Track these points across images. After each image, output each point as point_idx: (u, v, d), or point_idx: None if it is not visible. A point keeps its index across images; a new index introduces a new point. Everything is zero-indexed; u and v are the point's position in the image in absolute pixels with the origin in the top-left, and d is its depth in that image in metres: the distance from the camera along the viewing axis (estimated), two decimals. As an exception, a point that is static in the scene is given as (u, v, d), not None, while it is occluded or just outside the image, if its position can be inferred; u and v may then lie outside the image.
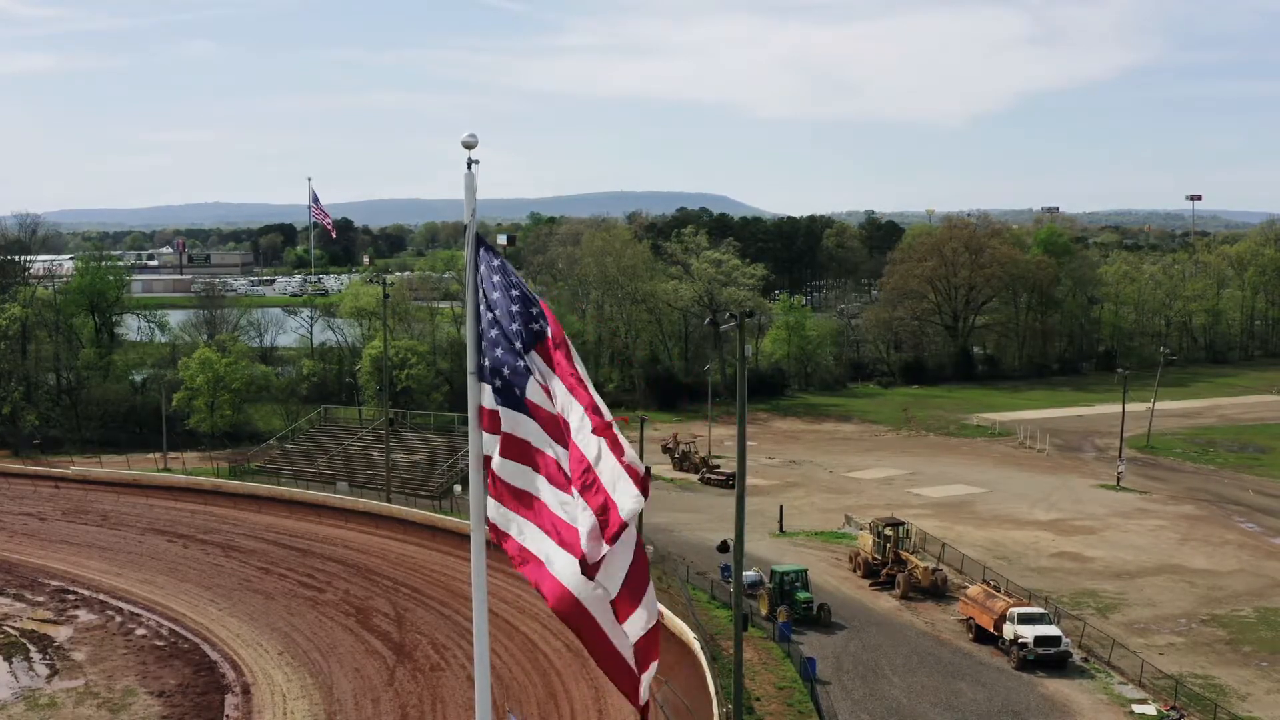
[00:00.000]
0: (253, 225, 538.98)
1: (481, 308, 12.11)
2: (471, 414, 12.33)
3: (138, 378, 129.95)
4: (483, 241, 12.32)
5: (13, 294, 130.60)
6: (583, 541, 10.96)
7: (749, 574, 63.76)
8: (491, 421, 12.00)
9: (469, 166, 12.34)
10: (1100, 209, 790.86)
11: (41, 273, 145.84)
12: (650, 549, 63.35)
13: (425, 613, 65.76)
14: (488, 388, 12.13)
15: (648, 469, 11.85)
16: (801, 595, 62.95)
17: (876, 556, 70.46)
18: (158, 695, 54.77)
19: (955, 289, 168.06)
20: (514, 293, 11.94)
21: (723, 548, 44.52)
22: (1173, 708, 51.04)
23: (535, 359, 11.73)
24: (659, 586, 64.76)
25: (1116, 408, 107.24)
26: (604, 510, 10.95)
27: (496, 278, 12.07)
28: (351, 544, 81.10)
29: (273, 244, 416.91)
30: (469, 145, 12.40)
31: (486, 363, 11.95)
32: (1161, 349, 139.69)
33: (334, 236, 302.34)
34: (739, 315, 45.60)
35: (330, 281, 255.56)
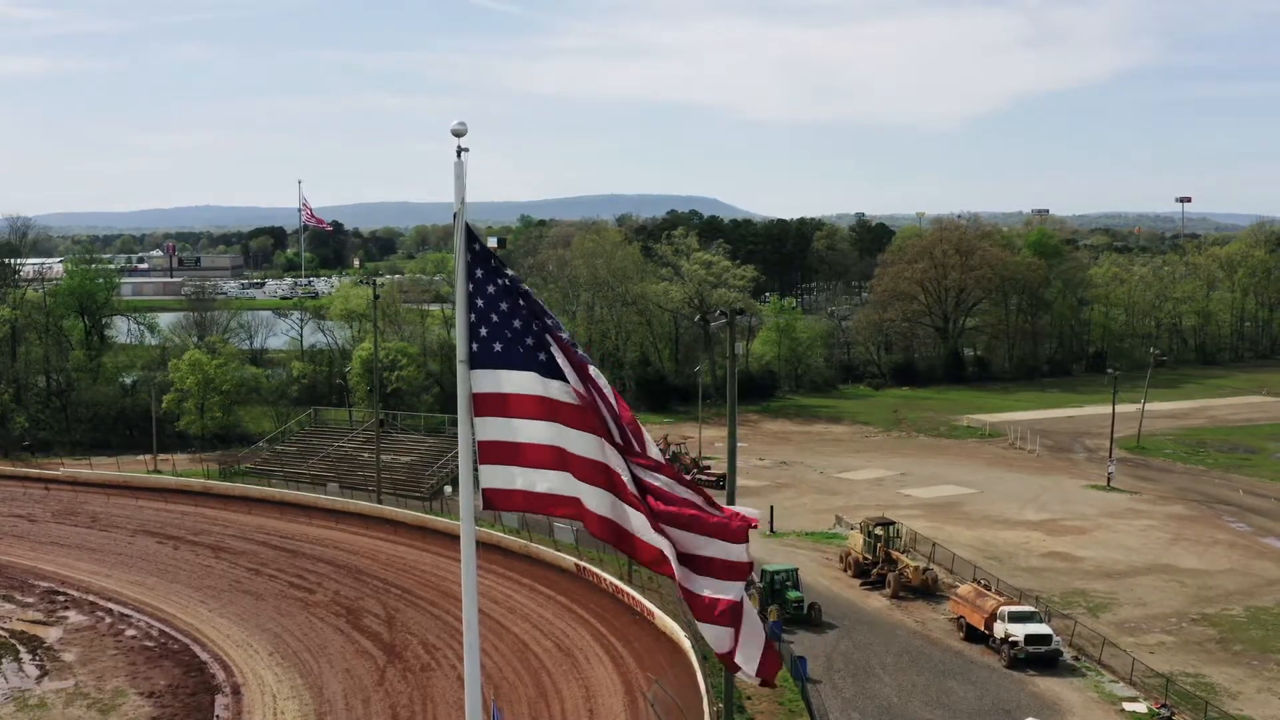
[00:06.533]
0: (243, 228, 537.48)
1: (489, 286, 12.12)
2: (462, 402, 12.30)
3: (128, 380, 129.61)
4: (476, 238, 12.31)
5: (2, 296, 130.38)
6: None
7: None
8: (488, 404, 12.07)
9: (458, 154, 12.33)
10: (1091, 211, 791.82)
11: (31, 275, 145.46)
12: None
13: (416, 613, 65.65)
14: (479, 373, 12.13)
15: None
16: (792, 594, 62.98)
17: (867, 556, 70.51)
18: (148, 696, 54.61)
19: (945, 291, 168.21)
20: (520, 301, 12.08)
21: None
22: (1163, 705, 51.13)
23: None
24: (650, 587, 64.83)
25: (1106, 409, 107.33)
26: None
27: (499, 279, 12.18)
28: (342, 545, 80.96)
29: (263, 247, 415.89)
30: (458, 133, 12.38)
31: (529, 338, 11.99)
32: (1151, 350, 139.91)
33: (331, 231, 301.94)
34: (729, 313, 45.65)
35: (320, 284, 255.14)
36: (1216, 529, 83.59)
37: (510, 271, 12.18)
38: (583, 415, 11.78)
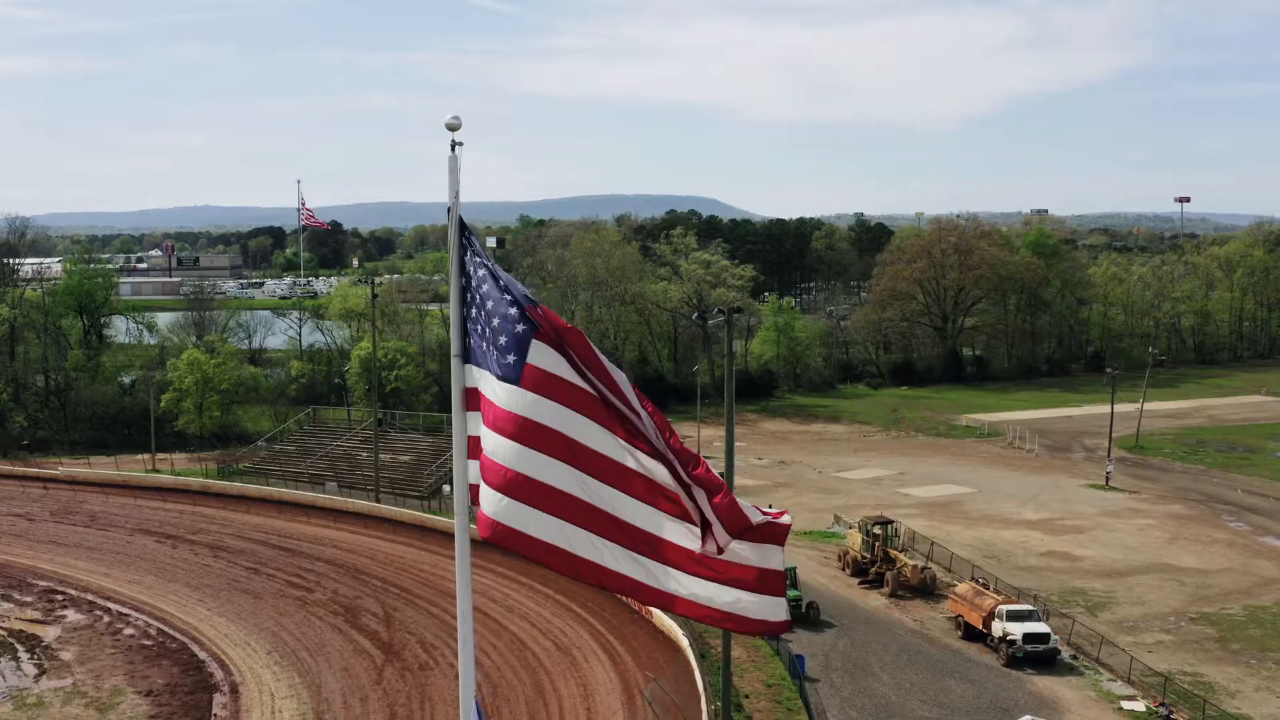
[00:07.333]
0: (241, 228, 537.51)
1: (482, 286, 12.03)
2: (456, 397, 12.25)
3: (126, 379, 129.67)
4: (468, 230, 12.25)
5: (1, 296, 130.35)
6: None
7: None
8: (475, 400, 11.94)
9: (453, 148, 12.31)
10: (1090, 211, 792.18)
11: (30, 275, 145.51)
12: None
13: (414, 612, 65.63)
14: (472, 369, 12.08)
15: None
16: (790, 593, 62.90)
17: (865, 555, 70.52)
18: (145, 694, 54.57)
19: (944, 290, 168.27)
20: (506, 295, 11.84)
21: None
22: (1161, 704, 51.12)
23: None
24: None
25: (1105, 408, 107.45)
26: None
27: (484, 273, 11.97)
28: (340, 544, 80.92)
29: (262, 247, 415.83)
30: (453, 127, 12.36)
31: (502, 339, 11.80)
32: (1150, 350, 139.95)
33: (329, 231, 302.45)
34: (726, 310, 45.69)
35: (319, 284, 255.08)
36: (1215, 528, 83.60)
37: (489, 264, 12.07)
38: (538, 432, 11.54)
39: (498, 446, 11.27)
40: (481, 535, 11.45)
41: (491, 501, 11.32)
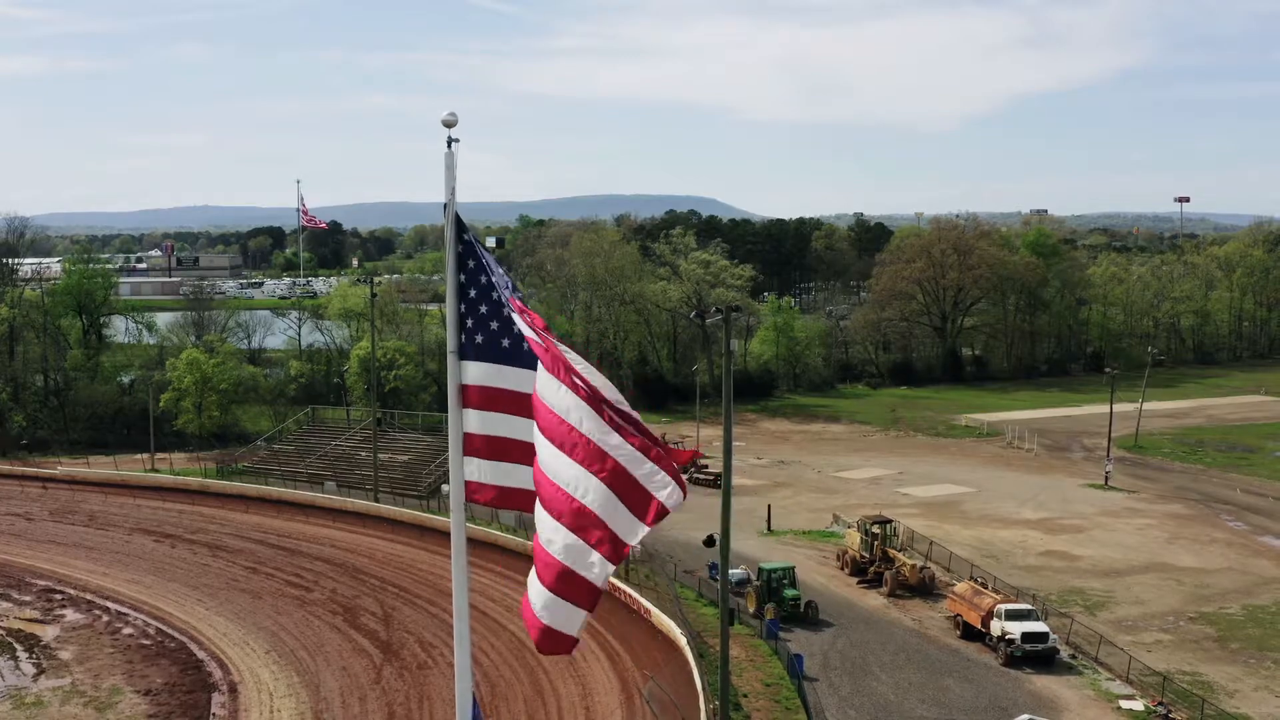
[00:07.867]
0: (241, 228, 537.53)
1: (482, 277, 12.02)
2: (451, 393, 12.26)
3: (125, 379, 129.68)
4: (465, 226, 12.25)
5: (0, 295, 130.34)
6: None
7: (736, 571, 63.87)
8: (481, 396, 11.96)
9: (449, 145, 12.33)
10: (1089, 211, 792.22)
11: (29, 275, 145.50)
12: (638, 548, 63.16)
13: (412, 611, 65.63)
14: (466, 365, 12.08)
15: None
16: (789, 592, 63.00)
17: (864, 554, 70.53)
18: (144, 694, 54.58)
19: (944, 290, 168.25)
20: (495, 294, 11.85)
21: (709, 542, 44.78)
22: (1160, 703, 51.08)
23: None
24: (646, 584, 64.85)
25: (1104, 408, 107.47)
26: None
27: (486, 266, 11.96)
28: (339, 543, 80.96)
29: (261, 247, 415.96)
30: (449, 124, 12.38)
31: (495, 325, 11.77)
32: (1150, 350, 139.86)
33: (328, 231, 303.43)
34: (724, 308, 45.73)
35: (319, 284, 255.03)
36: (1214, 528, 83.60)
37: (489, 259, 12.09)
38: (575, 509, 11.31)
39: (554, 535, 10.44)
40: (534, 641, 10.62)
41: (542, 600, 10.52)
